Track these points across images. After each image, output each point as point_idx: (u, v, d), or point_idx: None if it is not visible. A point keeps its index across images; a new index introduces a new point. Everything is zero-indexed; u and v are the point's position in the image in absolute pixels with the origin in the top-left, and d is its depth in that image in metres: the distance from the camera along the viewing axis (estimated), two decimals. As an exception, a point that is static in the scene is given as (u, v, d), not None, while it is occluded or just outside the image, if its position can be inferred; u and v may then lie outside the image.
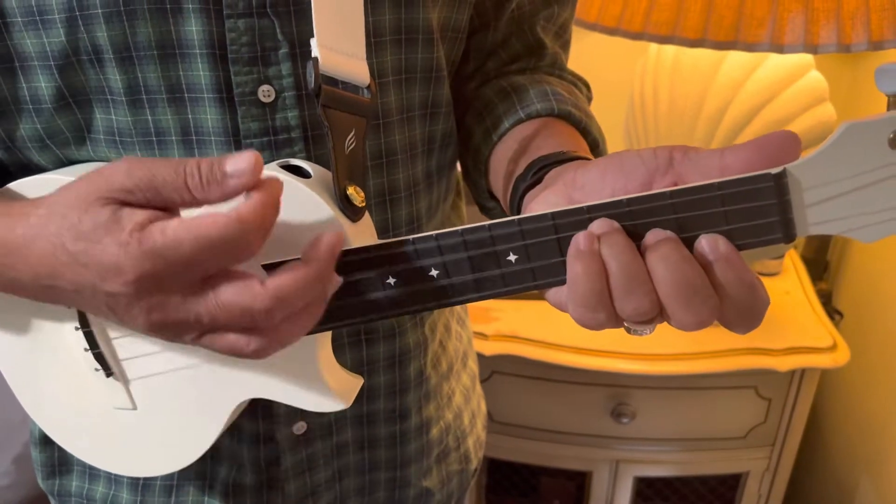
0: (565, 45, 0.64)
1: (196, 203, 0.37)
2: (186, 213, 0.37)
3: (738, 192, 0.35)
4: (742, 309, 0.36)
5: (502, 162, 0.53)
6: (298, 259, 0.38)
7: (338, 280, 0.39)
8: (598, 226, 0.36)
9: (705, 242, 0.36)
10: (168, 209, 0.37)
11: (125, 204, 0.36)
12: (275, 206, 0.37)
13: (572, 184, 0.40)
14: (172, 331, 0.37)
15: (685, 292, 0.35)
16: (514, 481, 1.34)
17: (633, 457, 1.24)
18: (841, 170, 0.34)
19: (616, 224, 0.36)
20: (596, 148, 0.55)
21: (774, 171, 0.34)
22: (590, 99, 0.64)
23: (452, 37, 0.55)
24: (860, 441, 1.32)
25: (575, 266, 0.36)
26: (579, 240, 0.36)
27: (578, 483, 1.29)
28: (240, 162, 0.36)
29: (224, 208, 0.36)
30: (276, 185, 0.37)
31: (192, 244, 0.35)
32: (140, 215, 0.35)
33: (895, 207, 0.34)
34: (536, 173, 0.46)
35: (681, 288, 0.35)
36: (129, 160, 0.37)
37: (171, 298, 0.36)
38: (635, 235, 0.37)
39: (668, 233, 0.36)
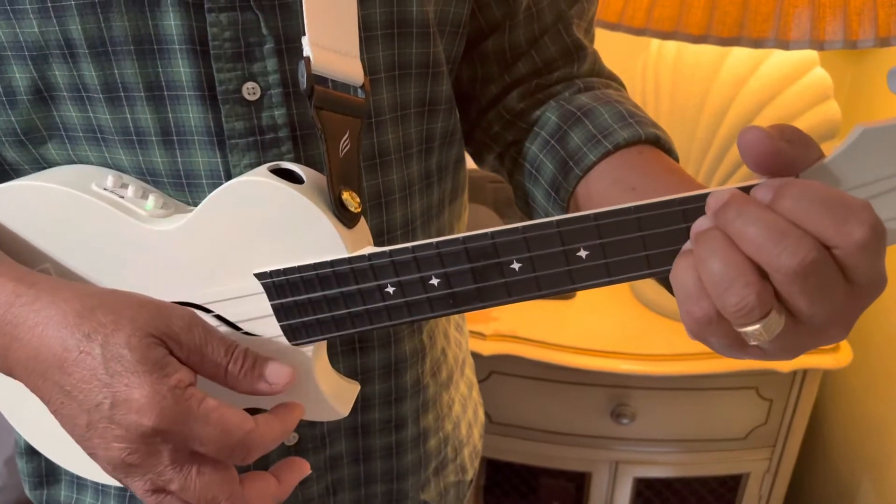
0: (592, 42, 0.61)
1: (222, 383, 0.39)
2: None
3: None
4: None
5: (605, 200, 0.50)
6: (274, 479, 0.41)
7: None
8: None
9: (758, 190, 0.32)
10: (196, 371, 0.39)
11: (171, 353, 0.38)
12: (286, 435, 0.40)
13: None
14: (133, 475, 0.37)
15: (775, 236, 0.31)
16: (513, 482, 1.33)
17: (633, 458, 1.23)
18: (858, 175, 0.33)
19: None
20: (678, 161, 0.53)
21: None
22: None
23: (452, 31, 0.53)
24: (861, 442, 1.32)
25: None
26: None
27: (578, 484, 1.28)
28: (280, 374, 0.40)
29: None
30: (297, 413, 0.41)
31: (214, 429, 0.36)
32: (185, 375, 0.37)
33: None
34: None
35: (770, 233, 0.31)
36: (194, 316, 0.39)
37: (159, 456, 0.37)
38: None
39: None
